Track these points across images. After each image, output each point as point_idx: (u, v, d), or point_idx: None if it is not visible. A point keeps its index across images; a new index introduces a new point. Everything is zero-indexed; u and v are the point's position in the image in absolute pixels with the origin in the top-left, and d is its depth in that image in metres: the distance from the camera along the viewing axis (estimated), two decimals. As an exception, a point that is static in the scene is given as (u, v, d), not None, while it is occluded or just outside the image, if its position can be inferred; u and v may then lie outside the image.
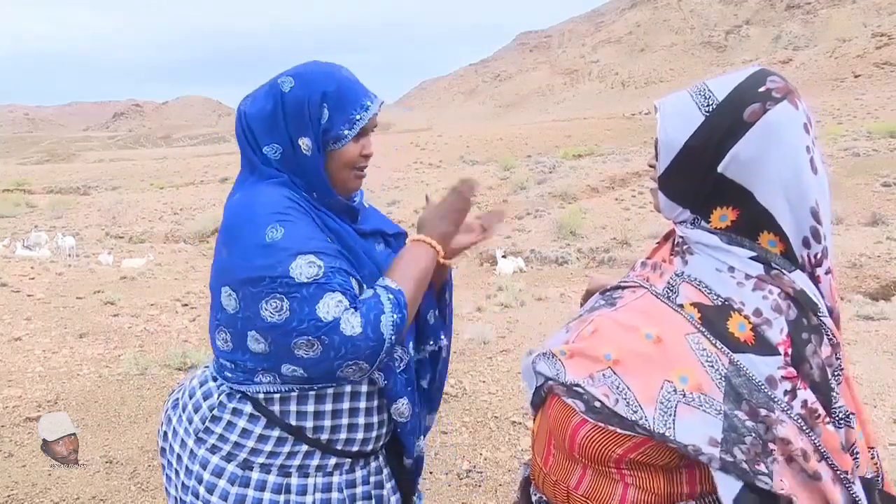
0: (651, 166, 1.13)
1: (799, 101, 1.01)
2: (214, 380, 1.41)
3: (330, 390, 1.33)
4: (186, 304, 7.79)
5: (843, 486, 0.96)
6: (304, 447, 1.34)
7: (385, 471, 1.47)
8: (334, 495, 1.36)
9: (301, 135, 1.31)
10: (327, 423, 1.34)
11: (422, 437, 1.52)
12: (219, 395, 1.38)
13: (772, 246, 1.02)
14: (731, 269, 1.02)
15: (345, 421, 1.35)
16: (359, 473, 1.41)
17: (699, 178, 1.03)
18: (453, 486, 3.35)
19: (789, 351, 0.97)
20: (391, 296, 1.27)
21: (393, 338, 1.25)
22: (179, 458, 1.41)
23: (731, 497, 0.92)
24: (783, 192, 0.99)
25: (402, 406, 1.40)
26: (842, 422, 1.00)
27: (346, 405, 1.35)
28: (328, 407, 1.34)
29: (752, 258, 1.01)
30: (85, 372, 5.09)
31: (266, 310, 1.20)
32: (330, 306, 1.19)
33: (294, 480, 1.34)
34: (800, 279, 1.01)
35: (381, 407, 1.41)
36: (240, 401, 1.35)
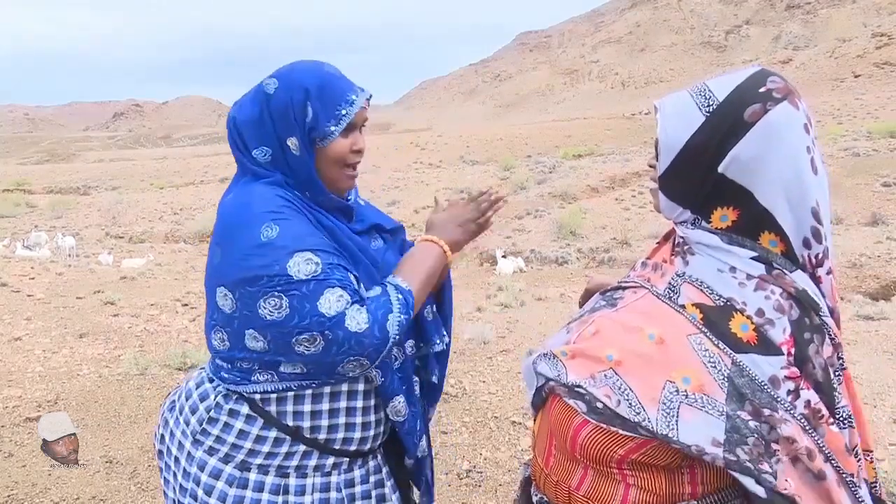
0: (651, 166, 1.12)
1: (799, 101, 1.01)
2: (211, 381, 1.41)
3: (326, 389, 1.33)
4: (186, 304, 7.79)
5: (848, 489, 0.96)
6: (302, 447, 1.34)
7: (384, 469, 1.46)
8: (333, 495, 1.36)
9: (288, 135, 1.31)
10: (324, 422, 1.34)
11: (424, 435, 1.52)
12: (215, 397, 1.37)
13: (773, 246, 1.02)
14: (733, 269, 1.02)
15: (341, 420, 1.35)
16: (357, 473, 1.40)
17: (699, 179, 1.03)
18: (453, 486, 3.35)
19: (792, 351, 0.97)
20: (400, 295, 1.28)
21: (397, 336, 1.25)
22: (177, 460, 1.41)
23: (753, 483, 0.93)
24: (784, 192, 0.99)
25: (399, 404, 1.40)
26: (845, 422, 1.00)
27: (342, 404, 1.35)
28: (325, 406, 1.34)
29: (753, 258, 1.01)
30: (85, 372, 5.09)
31: (264, 308, 1.20)
32: (332, 302, 1.20)
33: (292, 481, 1.34)
34: (801, 279, 1.01)
35: (378, 406, 1.41)
36: (236, 402, 1.35)
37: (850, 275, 11.90)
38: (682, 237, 1.09)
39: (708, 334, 0.98)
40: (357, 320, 1.20)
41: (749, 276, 1.01)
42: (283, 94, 1.31)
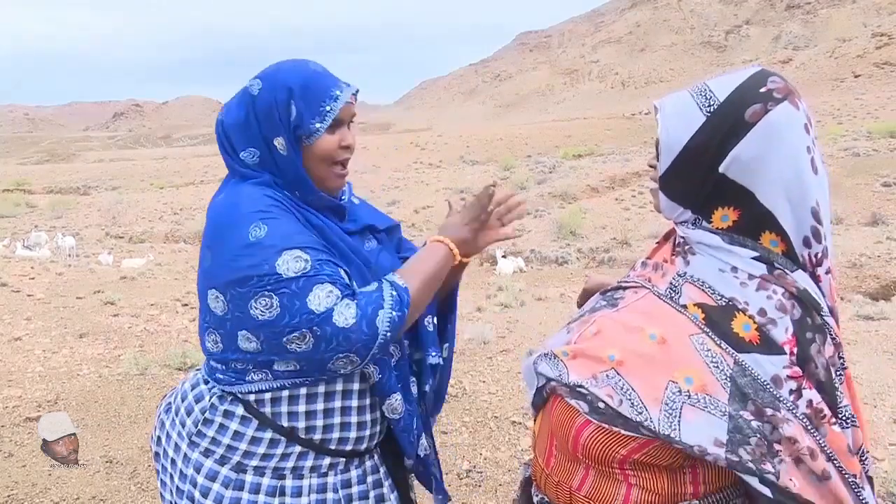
0: (651, 166, 1.12)
1: (799, 101, 1.01)
2: (206, 382, 1.40)
3: (321, 389, 1.32)
4: (186, 304, 7.79)
5: (850, 490, 0.96)
6: (298, 448, 1.33)
7: (382, 469, 1.45)
8: (329, 496, 1.35)
9: (275, 135, 1.30)
10: (319, 422, 1.33)
11: (423, 434, 1.50)
12: (210, 398, 1.37)
13: (773, 246, 1.02)
14: (734, 269, 1.02)
15: (337, 420, 1.34)
16: (354, 473, 1.39)
17: (700, 179, 1.03)
18: (453, 486, 3.35)
19: (795, 350, 0.97)
20: (394, 292, 1.26)
21: (388, 334, 1.23)
22: (174, 462, 1.41)
23: (757, 482, 0.93)
24: (784, 192, 1.00)
25: (395, 402, 1.39)
26: (847, 422, 1.00)
27: (337, 404, 1.34)
28: (319, 406, 1.33)
29: (754, 258, 1.01)
30: (85, 372, 5.09)
31: (256, 308, 1.19)
32: (321, 298, 1.19)
33: (289, 482, 1.33)
34: (802, 279, 1.01)
35: (374, 405, 1.40)
36: (231, 403, 1.34)
37: (850, 275, 11.91)
38: (682, 237, 1.09)
39: (710, 334, 0.98)
40: (345, 315, 1.19)
41: (751, 276, 1.01)
42: (268, 95, 1.30)
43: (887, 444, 3.70)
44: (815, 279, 1.03)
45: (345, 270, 1.29)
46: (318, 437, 1.34)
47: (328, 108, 1.31)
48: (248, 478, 1.32)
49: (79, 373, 5.06)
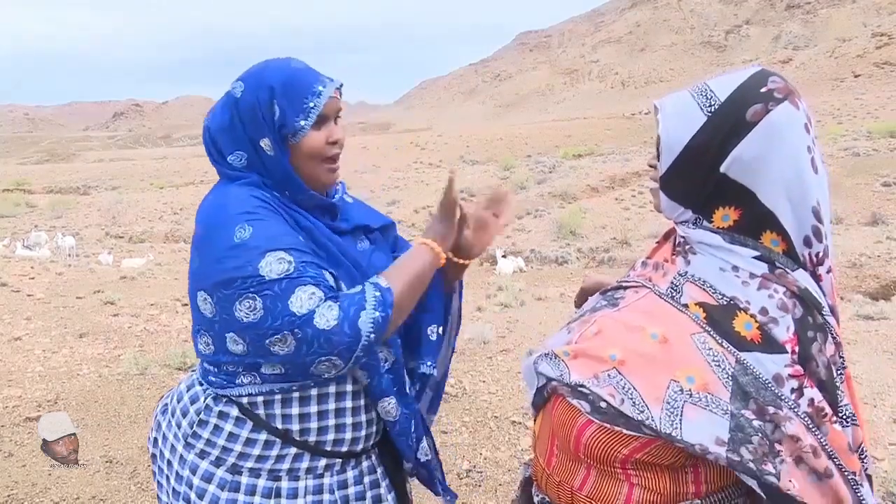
0: (652, 166, 1.12)
1: (799, 101, 1.02)
2: (201, 384, 1.39)
3: (314, 391, 1.31)
4: (186, 304, 7.78)
5: (850, 488, 0.96)
6: (293, 450, 1.32)
7: (379, 470, 1.44)
8: (325, 497, 1.34)
9: (260, 136, 1.29)
10: (313, 424, 1.32)
11: (424, 438, 1.48)
12: (205, 399, 1.36)
13: (774, 245, 1.02)
14: (735, 268, 1.02)
15: (331, 422, 1.33)
16: (350, 474, 1.38)
17: (701, 179, 1.03)
18: (453, 485, 3.35)
19: (796, 349, 0.97)
20: (377, 293, 1.24)
21: (372, 335, 1.21)
22: (170, 463, 1.40)
23: (757, 486, 0.93)
24: (785, 191, 1.00)
25: (389, 405, 1.37)
26: (848, 420, 1.01)
27: (331, 406, 1.33)
28: (313, 409, 1.31)
29: (755, 257, 1.01)
30: (85, 372, 5.09)
31: (240, 311, 1.18)
32: (303, 300, 1.17)
33: (284, 484, 1.32)
34: (803, 278, 1.01)
35: (369, 406, 1.38)
36: (226, 404, 1.33)
37: (850, 274, 11.92)
38: (682, 237, 1.09)
39: (712, 333, 0.99)
40: (326, 317, 1.17)
41: (752, 275, 1.01)
42: (250, 96, 1.29)
43: (887, 444, 3.70)
44: (816, 278, 1.03)
45: (331, 273, 1.27)
46: (312, 438, 1.33)
47: (311, 104, 1.29)
48: (244, 479, 1.31)
49: (79, 373, 5.06)
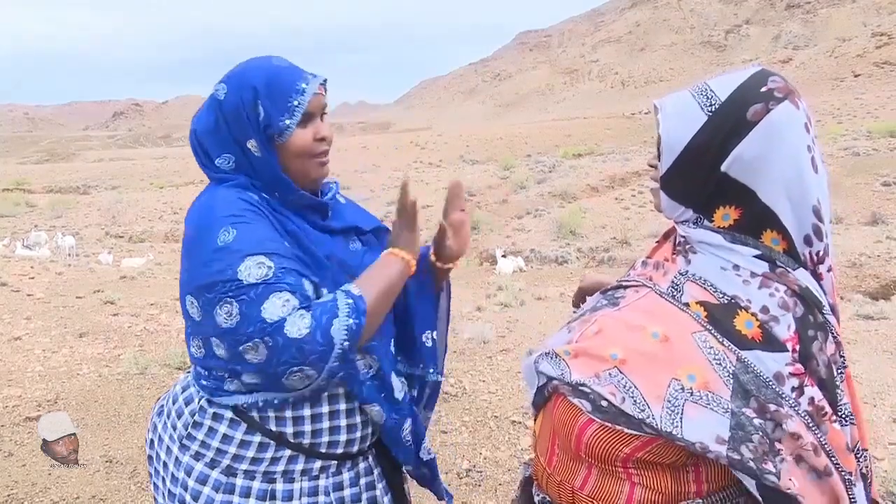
0: (652, 166, 1.12)
1: (799, 100, 1.02)
2: (195, 386, 1.38)
3: (307, 393, 1.29)
4: (186, 304, 7.78)
5: (846, 487, 0.96)
6: (287, 452, 1.31)
7: (376, 471, 1.43)
8: (321, 499, 1.33)
9: (246, 138, 1.28)
10: (307, 427, 1.31)
11: (423, 437, 1.47)
12: (199, 401, 1.35)
13: (775, 244, 1.02)
14: (736, 267, 1.02)
15: (326, 424, 1.32)
16: (346, 475, 1.37)
17: (702, 178, 1.03)
18: (453, 485, 3.35)
19: (797, 348, 0.97)
20: (350, 300, 1.21)
21: (346, 343, 1.18)
22: (165, 465, 1.39)
23: (754, 487, 0.93)
24: (786, 190, 1.00)
25: (374, 412, 1.36)
26: (846, 419, 1.01)
27: (325, 409, 1.32)
28: (307, 412, 1.30)
29: (756, 256, 1.02)
30: (85, 371, 5.09)
31: (220, 315, 1.17)
32: (276, 306, 1.15)
33: (279, 486, 1.31)
34: (804, 277, 1.02)
35: (363, 407, 1.37)
36: (220, 406, 1.32)
37: (850, 274, 11.92)
38: (683, 236, 1.09)
39: (713, 331, 0.99)
40: (298, 326, 1.14)
41: (753, 274, 1.01)
42: (234, 97, 1.28)
43: (887, 444, 3.71)
44: (817, 277, 1.04)
45: (312, 281, 1.25)
46: (307, 441, 1.31)
47: (296, 102, 1.28)
48: (239, 481, 1.30)
49: (79, 372, 5.06)
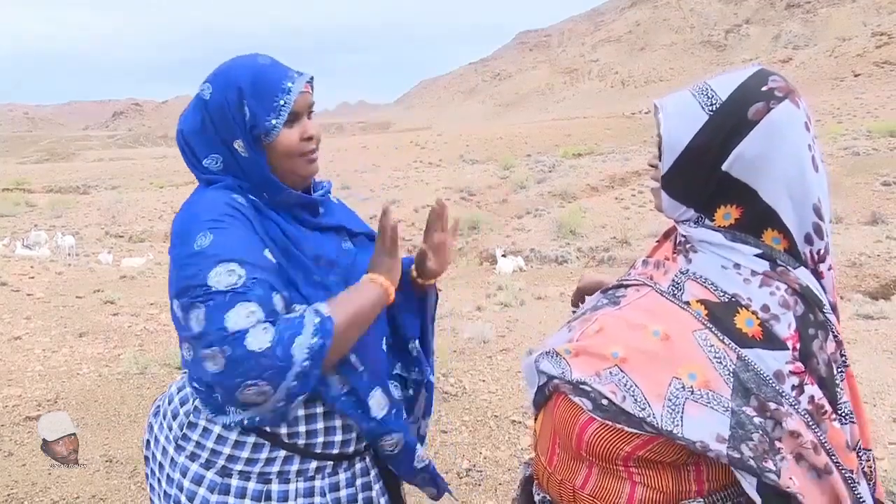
0: (652, 166, 1.12)
1: (799, 100, 1.02)
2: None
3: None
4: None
5: (847, 486, 0.96)
6: (282, 452, 1.30)
7: (372, 472, 1.42)
8: (317, 500, 1.32)
9: (233, 138, 1.27)
10: (302, 428, 1.30)
11: (415, 446, 1.45)
12: (194, 401, 1.34)
13: (776, 243, 1.03)
14: (737, 265, 1.02)
15: (320, 425, 1.31)
16: (342, 476, 1.36)
17: (703, 177, 1.04)
18: (453, 485, 3.35)
19: (797, 346, 0.97)
20: (317, 320, 1.18)
21: (306, 363, 1.14)
22: (161, 466, 1.38)
23: (753, 487, 0.93)
24: (787, 189, 1.00)
25: (351, 423, 1.34)
26: (846, 418, 1.01)
27: (319, 409, 1.31)
28: (301, 413, 1.29)
29: (757, 255, 1.02)
30: (85, 371, 5.09)
31: (192, 320, 1.15)
32: (240, 316, 1.12)
33: (275, 487, 1.30)
34: (804, 276, 1.02)
35: None
36: None
37: (850, 274, 11.91)
38: (684, 235, 1.09)
39: (713, 330, 0.99)
40: (259, 340, 1.11)
41: (753, 273, 1.01)
42: (219, 96, 1.26)
43: (887, 443, 3.71)
44: (818, 276, 1.04)
45: (283, 296, 1.21)
46: (301, 441, 1.31)
47: (282, 101, 1.26)
48: (234, 482, 1.30)
49: (78, 372, 5.07)
